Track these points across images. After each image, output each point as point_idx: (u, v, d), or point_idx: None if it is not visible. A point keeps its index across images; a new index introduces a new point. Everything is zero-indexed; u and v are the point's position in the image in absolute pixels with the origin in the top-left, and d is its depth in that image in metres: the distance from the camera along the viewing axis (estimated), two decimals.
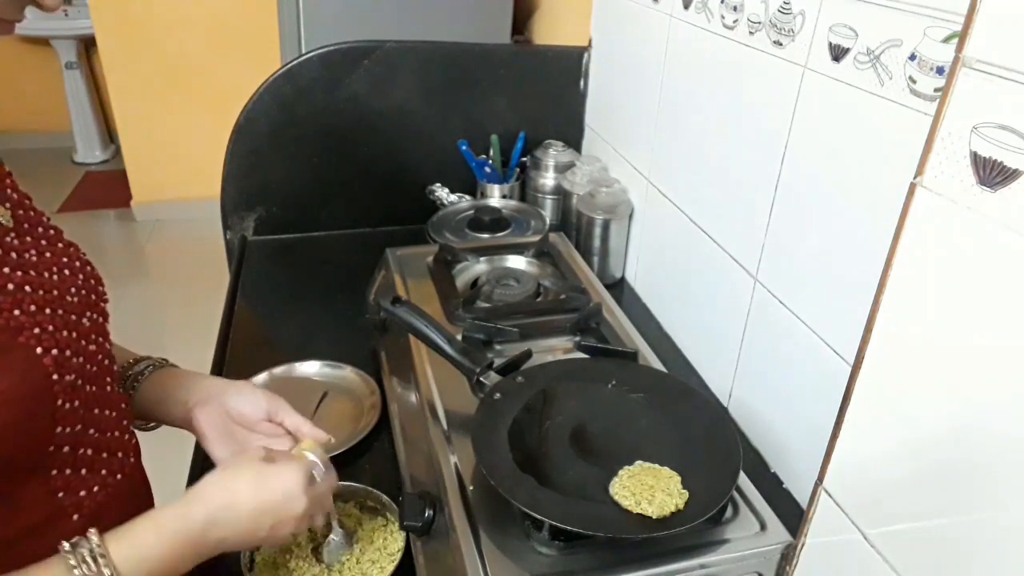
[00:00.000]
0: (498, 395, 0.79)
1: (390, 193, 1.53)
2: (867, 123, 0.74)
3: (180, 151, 3.62)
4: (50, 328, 0.59)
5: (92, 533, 0.57)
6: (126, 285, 3.21)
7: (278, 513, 0.64)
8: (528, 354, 0.88)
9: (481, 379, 0.83)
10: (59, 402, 0.58)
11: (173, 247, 3.61)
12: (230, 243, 1.49)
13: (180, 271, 3.39)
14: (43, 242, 0.65)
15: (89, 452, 0.64)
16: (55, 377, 0.58)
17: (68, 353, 0.60)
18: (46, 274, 0.62)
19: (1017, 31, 0.44)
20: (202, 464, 0.91)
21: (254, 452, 0.67)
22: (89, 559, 0.55)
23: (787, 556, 0.69)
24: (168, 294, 3.21)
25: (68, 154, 4.37)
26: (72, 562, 0.55)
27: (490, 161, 1.51)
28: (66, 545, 0.56)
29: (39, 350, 0.57)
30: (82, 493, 0.63)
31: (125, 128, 3.58)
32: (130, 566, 0.57)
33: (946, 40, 0.63)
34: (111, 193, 3.93)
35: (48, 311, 0.60)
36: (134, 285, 3.27)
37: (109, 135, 4.37)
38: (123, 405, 0.72)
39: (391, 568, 0.77)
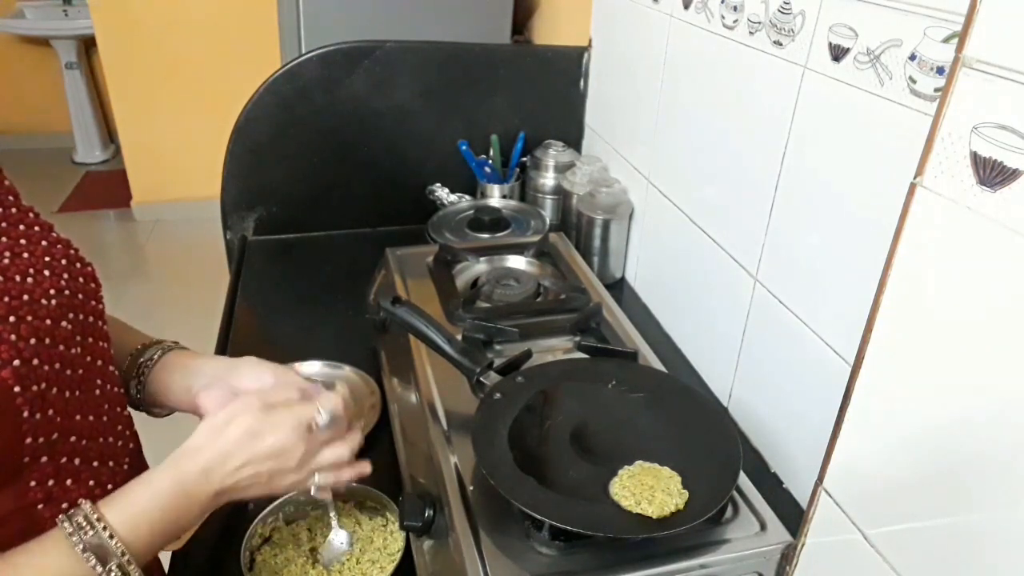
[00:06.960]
0: (498, 395, 0.79)
1: (390, 193, 1.53)
2: (867, 123, 0.74)
3: (180, 151, 3.63)
4: (12, 338, 0.57)
5: (84, 502, 0.57)
6: (126, 285, 3.22)
7: (274, 463, 0.64)
8: (528, 354, 0.88)
9: (481, 379, 0.82)
10: (25, 413, 0.57)
11: (173, 247, 3.61)
12: (230, 243, 1.49)
13: (180, 271, 3.39)
14: (22, 242, 0.62)
15: (76, 462, 0.62)
16: (17, 389, 0.56)
17: (37, 362, 0.58)
18: (17, 278, 0.60)
19: (1017, 31, 0.44)
20: None
21: (250, 400, 0.66)
22: (85, 524, 0.56)
23: (787, 556, 0.69)
24: (168, 294, 3.21)
25: (68, 154, 4.37)
26: (68, 529, 0.56)
27: (490, 161, 1.51)
28: (62, 516, 0.57)
29: None
30: (64, 505, 0.61)
31: (125, 128, 3.58)
32: (127, 527, 0.57)
33: (946, 40, 0.63)
34: (111, 193, 3.94)
35: (13, 319, 0.57)
36: (134, 285, 3.27)
37: (109, 135, 4.38)
38: (119, 408, 0.70)
39: (391, 568, 0.77)
